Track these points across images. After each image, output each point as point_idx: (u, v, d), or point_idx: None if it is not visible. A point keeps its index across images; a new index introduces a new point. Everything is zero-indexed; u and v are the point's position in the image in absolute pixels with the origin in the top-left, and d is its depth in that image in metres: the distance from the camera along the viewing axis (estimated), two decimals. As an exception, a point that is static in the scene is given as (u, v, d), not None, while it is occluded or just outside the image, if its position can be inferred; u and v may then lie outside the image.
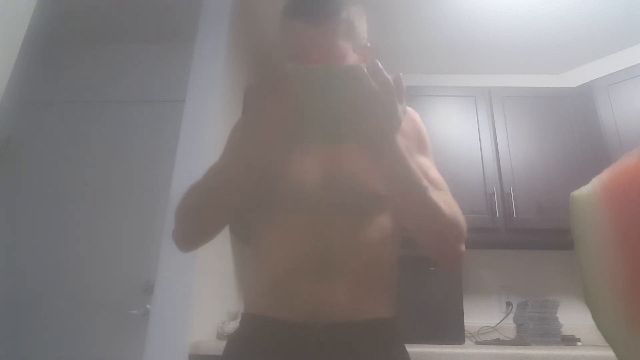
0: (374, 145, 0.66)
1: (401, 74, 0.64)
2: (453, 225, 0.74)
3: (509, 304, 2.13)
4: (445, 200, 0.73)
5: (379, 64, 0.62)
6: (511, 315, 2.10)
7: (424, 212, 0.71)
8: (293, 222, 0.76)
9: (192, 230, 0.80)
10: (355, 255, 0.75)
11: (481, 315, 2.11)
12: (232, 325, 1.72)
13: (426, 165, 0.84)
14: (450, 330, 1.80)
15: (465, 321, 1.84)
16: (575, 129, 2.11)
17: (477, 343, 1.97)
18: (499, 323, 2.09)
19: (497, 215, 1.97)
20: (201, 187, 0.77)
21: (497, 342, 1.89)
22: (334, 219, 0.75)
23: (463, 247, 0.77)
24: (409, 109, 0.89)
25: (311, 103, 0.63)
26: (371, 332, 0.74)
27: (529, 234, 1.97)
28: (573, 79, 2.48)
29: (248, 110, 0.71)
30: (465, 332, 1.88)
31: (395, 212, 0.79)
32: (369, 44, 0.83)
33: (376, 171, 0.73)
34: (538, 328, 1.93)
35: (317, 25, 0.75)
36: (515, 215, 1.96)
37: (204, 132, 1.75)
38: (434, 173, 0.85)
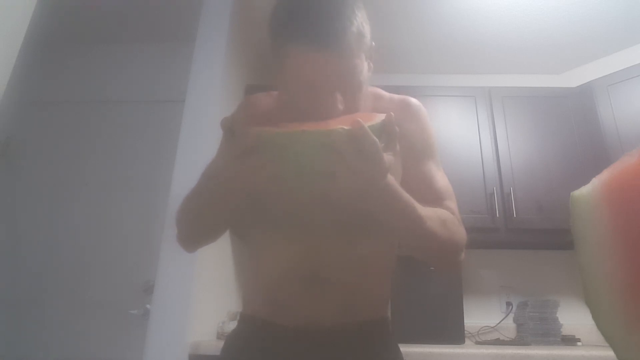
0: (359, 199, 0.60)
1: (393, 114, 0.56)
2: (449, 246, 0.73)
3: (509, 304, 2.13)
4: (443, 221, 0.70)
5: (365, 126, 0.52)
6: (511, 315, 2.10)
7: (419, 241, 0.70)
8: (287, 236, 0.76)
9: (194, 235, 0.81)
10: (348, 269, 0.74)
11: (481, 315, 2.11)
12: (232, 326, 1.71)
13: (430, 174, 0.80)
14: (450, 330, 1.80)
15: (465, 321, 1.84)
16: (575, 129, 2.11)
17: (477, 343, 1.97)
18: (499, 323, 2.08)
19: (497, 215, 1.97)
20: (196, 197, 0.75)
21: (497, 342, 1.89)
22: (328, 235, 0.73)
23: (462, 257, 0.77)
24: (416, 103, 0.87)
25: (287, 171, 0.58)
26: (363, 334, 0.75)
27: (529, 234, 1.97)
28: (573, 79, 2.48)
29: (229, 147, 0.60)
30: (465, 332, 1.88)
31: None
32: (373, 43, 0.72)
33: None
34: (538, 328, 1.94)
35: (330, 49, 0.61)
36: (515, 215, 1.96)
37: (204, 132, 1.75)
38: (439, 180, 0.80)
